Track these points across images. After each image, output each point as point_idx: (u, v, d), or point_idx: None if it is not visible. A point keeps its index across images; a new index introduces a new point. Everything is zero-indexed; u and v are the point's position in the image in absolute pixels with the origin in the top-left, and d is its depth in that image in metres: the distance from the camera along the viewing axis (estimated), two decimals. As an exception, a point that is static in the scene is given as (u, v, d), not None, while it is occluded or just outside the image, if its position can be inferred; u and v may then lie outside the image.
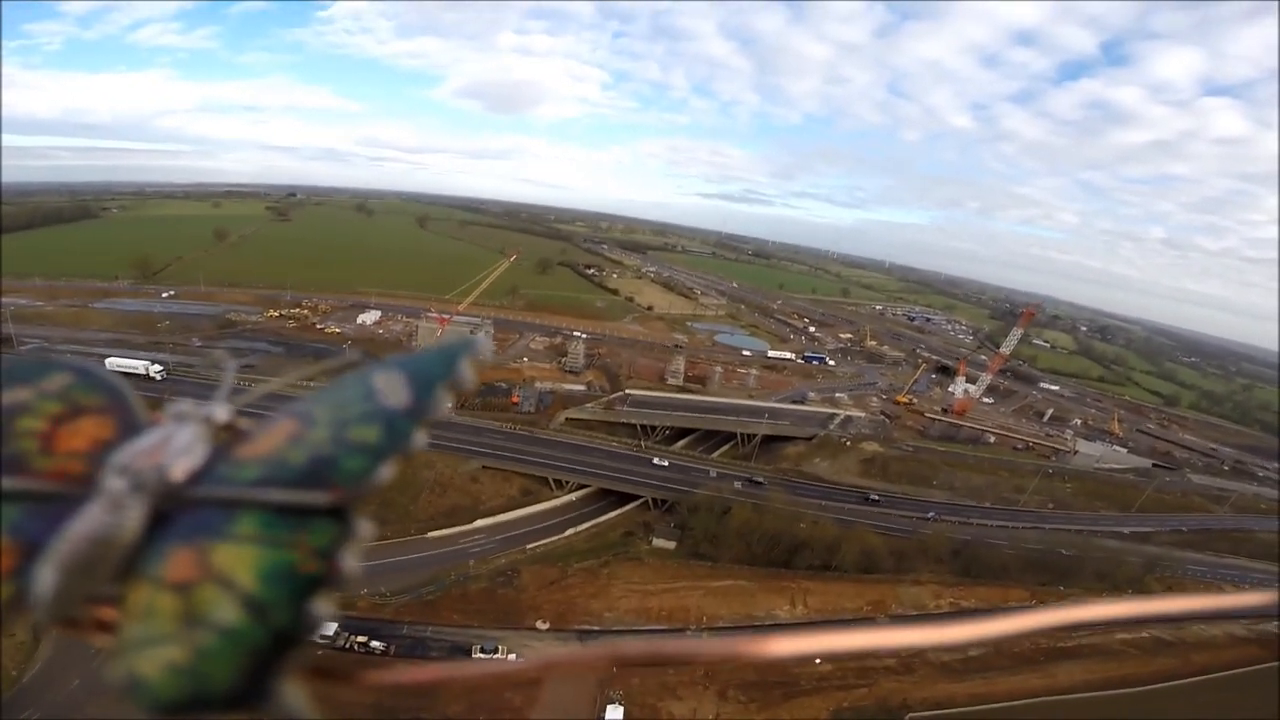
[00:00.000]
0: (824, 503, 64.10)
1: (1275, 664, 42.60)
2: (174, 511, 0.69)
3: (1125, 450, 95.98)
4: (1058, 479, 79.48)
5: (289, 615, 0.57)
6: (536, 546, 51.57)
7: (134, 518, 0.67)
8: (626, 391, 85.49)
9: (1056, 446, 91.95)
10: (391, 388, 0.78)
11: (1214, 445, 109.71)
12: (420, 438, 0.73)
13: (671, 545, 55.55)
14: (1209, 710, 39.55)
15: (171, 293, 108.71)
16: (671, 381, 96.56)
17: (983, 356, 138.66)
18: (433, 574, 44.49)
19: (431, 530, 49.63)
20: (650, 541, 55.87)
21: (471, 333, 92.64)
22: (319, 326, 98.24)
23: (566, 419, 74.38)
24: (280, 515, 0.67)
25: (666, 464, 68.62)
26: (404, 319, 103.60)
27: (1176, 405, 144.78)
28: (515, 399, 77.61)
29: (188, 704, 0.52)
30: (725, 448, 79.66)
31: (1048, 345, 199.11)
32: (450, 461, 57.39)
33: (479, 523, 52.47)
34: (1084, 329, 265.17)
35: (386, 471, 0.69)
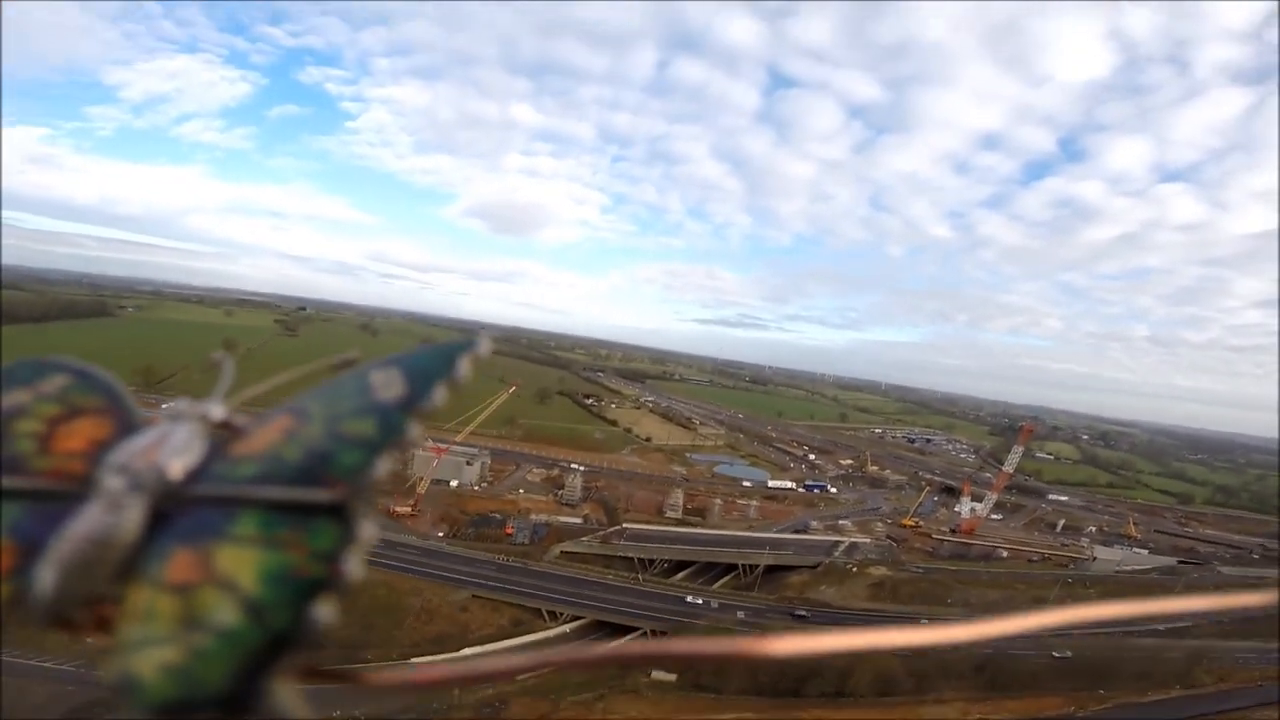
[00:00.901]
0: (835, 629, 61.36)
1: None
2: (173, 511, 0.70)
3: (1146, 552, 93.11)
4: (1079, 586, 76.63)
5: (288, 618, 0.56)
6: (527, 678, 48.41)
7: (133, 517, 0.68)
8: (624, 525, 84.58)
9: (1073, 555, 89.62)
10: (387, 383, 0.79)
11: (1238, 537, 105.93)
12: (415, 429, 0.74)
13: (672, 678, 52.21)
14: None
15: (172, 404, 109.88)
16: (670, 514, 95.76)
17: (987, 474, 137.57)
18: (413, 702, 41.51)
19: (415, 658, 46.87)
20: (649, 674, 52.60)
21: (468, 464, 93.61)
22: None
23: (561, 552, 73.08)
24: (280, 514, 0.67)
25: (702, 601, 66.28)
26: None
27: (1191, 502, 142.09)
28: (509, 530, 76.66)
29: (181, 705, 0.52)
30: (727, 578, 77.59)
31: (1052, 457, 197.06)
32: (439, 590, 55.73)
33: (466, 651, 49.57)
34: (1085, 437, 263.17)
35: (384, 465, 0.69)
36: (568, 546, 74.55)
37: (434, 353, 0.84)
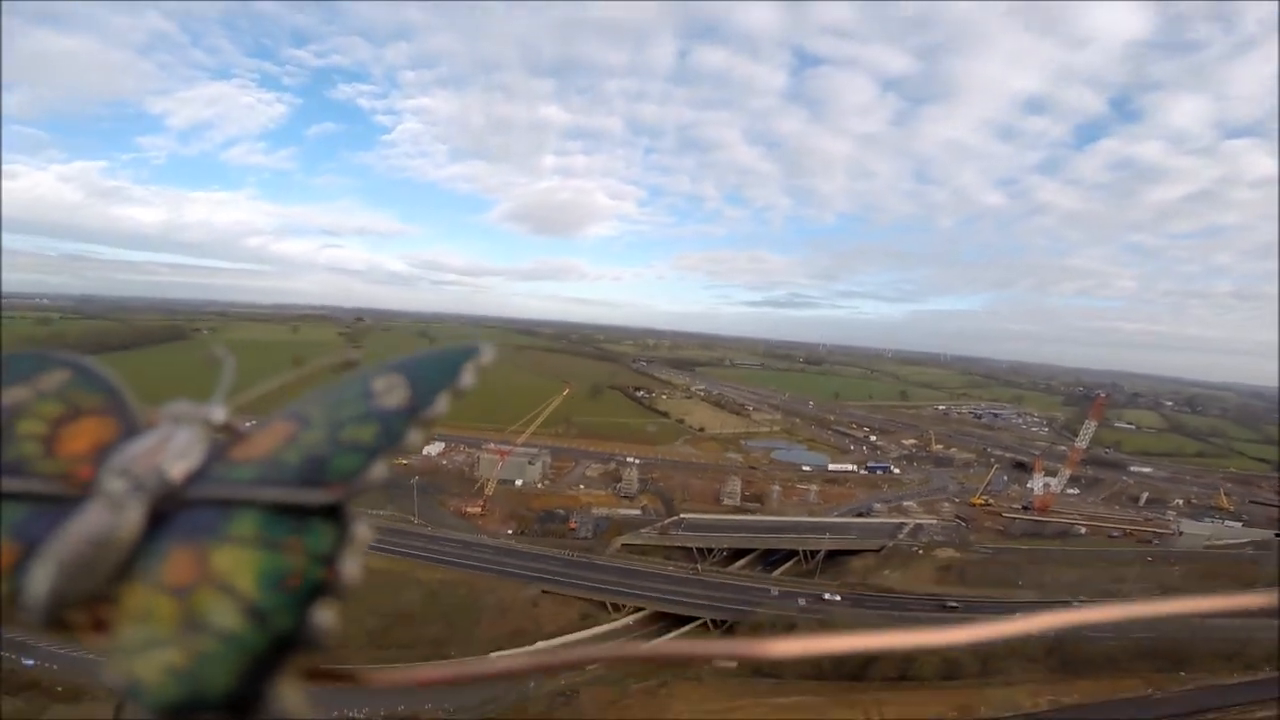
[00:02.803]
0: (896, 614, 61.01)
1: None
2: (172, 512, 0.70)
3: (1240, 525, 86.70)
4: (1163, 564, 72.89)
5: (290, 621, 0.57)
6: (596, 668, 51.12)
7: (132, 518, 0.68)
8: (681, 515, 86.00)
9: (1157, 530, 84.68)
10: (390, 389, 0.79)
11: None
12: (416, 437, 0.74)
13: (733, 664, 53.73)
14: None
15: (254, 422, 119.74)
16: (728, 502, 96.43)
17: (1062, 448, 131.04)
18: (494, 694, 44.92)
19: (493, 651, 50.39)
20: (711, 661, 54.39)
21: (530, 463, 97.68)
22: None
23: (622, 545, 75.29)
24: (277, 516, 0.67)
25: (838, 598, 65.59)
26: (466, 449, 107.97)
27: None
28: (572, 525, 79.85)
29: (185, 706, 0.53)
30: (787, 565, 77.39)
31: (1133, 427, 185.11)
32: (511, 587, 59.26)
33: (539, 645, 52.70)
34: (1169, 404, 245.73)
35: (380, 469, 0.70)
36: (628, 539, 76.61)
37: (438, 359, 0.85)
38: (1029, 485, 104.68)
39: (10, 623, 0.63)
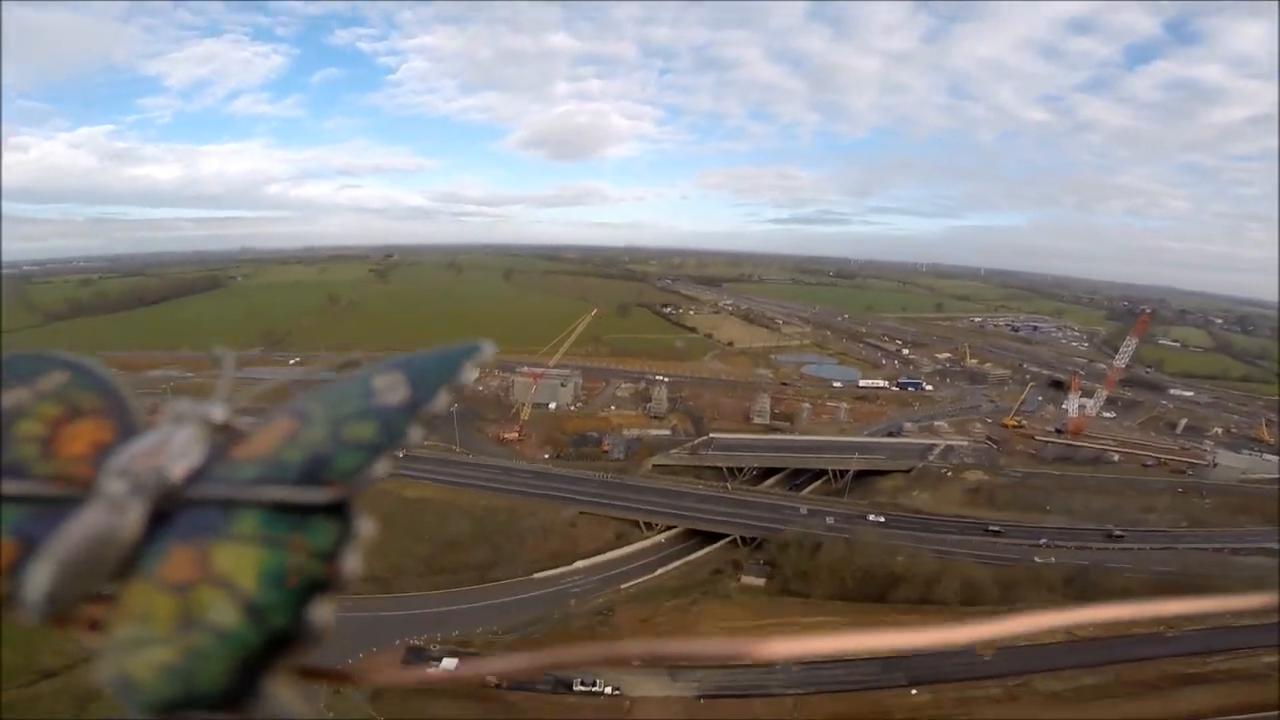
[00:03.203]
0: (927, 535, 62.60)
1: None
2: (172, 511, 0.71)
3: (1278, 459, 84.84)
4: (1194, 495, 72.39)
5: (287, 618, 0.58)
6: (630, 586, 54.77)
7: (133, 518, 0.69)
8: (711, 435, 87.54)
9: (1192, 460, 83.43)
10: (390, 386, 0.81)
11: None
12: (416, 433, 0.76)
13: (760, 582, 56.55)
14: None
15: (299, 359, 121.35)
16: (757, 421, 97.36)
17: (1101, 366, 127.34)
18: (538, 613, 49.00)
19: (536, 572, 54.48)
20: (739, 579, 57.23)
21: (562, 385, 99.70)
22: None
23: (654, 466, 77.69)
24: (279, 514, 0.68)
25: (882, 519, 66.82)
26: (500, 374, 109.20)
27: None
28: (605, 447, 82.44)
29: (176, 704, 0.53)
30: (816, 484, 79.17)
31: (1178, 345, 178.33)
32: (550, 509, 62.58)
33: (578, 564, 56.70)
34: (1219, 321, 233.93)
35: (382, 467, 0.72)
36: (659, 460, 78.94)
37: (437, 358, 0.87)
38: (1064, 406, 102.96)
39: (11, 620, 0.64)
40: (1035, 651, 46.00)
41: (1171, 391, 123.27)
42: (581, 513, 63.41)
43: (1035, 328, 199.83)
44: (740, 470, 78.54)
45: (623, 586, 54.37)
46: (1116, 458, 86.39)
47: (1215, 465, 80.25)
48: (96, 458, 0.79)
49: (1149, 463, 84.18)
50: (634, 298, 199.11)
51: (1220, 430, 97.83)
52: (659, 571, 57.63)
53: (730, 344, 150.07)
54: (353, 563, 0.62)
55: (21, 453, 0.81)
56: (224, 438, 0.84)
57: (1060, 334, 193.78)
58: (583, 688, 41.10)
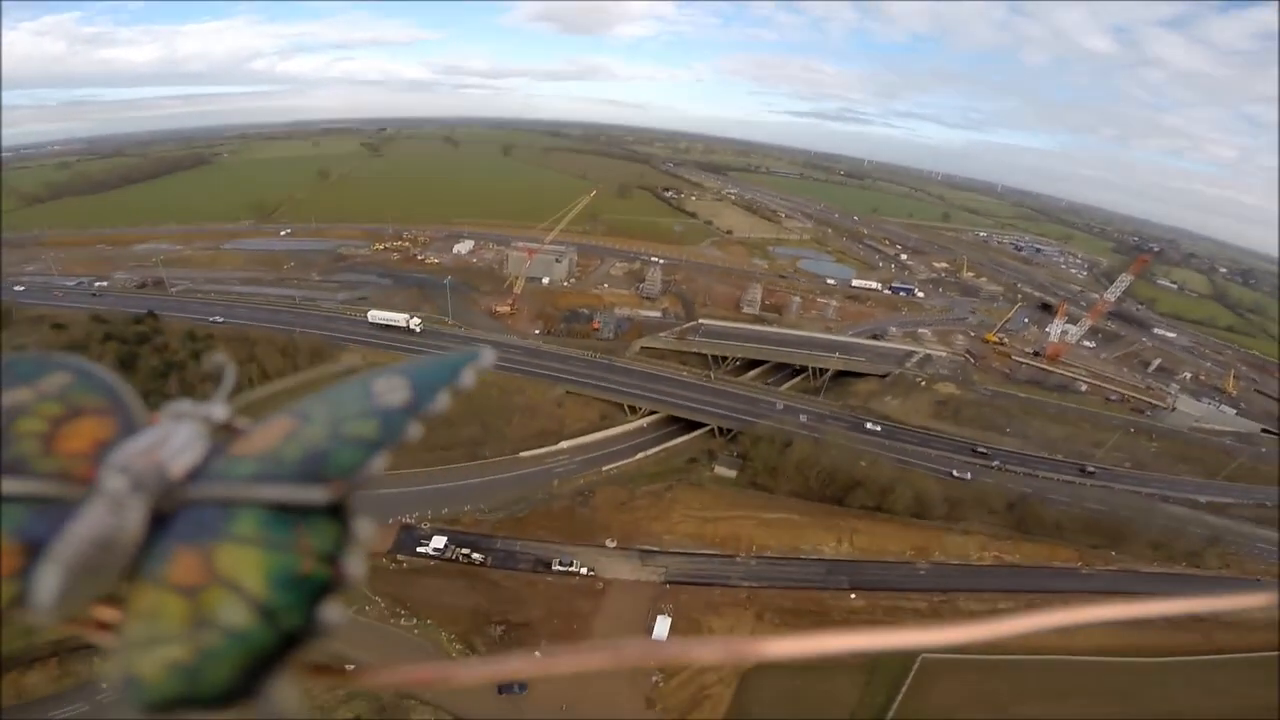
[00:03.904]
0: (889, 443, 65.21)
1: None
2: (173, 511, 0.73)
3: (1234, 412, 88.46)
4: (1144, 437, 76.08)
5: (299, 619, 0.59)
6: (611, 468, 58.02)
7: (135, 518, 0.70)
8: (700, 321, 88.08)
9: (1153, 401, 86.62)
10: (391, 389, 0.83)
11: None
12: (416, 430, 0.78)
13: (732, 474, 59.76)
14: (1218, 687, 41.05)
15: (289, 231, 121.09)
16: (747, 310, 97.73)
17: (1094, 295, 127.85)
18: (523, 492, 52.14)
19: (523, 451, 57.11)
20: (713, 469, 60.45)
21: (557, 261, 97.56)
22: (419, 257, 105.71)
23: (641, 348, 78.54)
24: (278, 513, 0.69)
25: (879, 428, 68.18)
26: (495, 247, 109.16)
27: None
28: (596, 325, 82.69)
29: (180, 703, 0.54)
30: (796, 380, 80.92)
31: (1175, 286, 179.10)
32: (539, 387, 64.06)
33: (563, 444, 59.45)
34: (1223, 270, 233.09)
35: (379, 463, 0.73)
36: (646, 342, 79.82)
37: (439, 363, 0.89)
38: (1047, 330, 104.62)
39: (15, 622, 0.64)
40: (962, 572, 51.28)
41: (1155, 330, 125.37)
42: (568, 392, 65.14)
43: (1038, 249, 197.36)
44: (724, 360, 79.69)
45: (604, 469, 57.54)
46: (1084, 388, 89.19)
47: (1173, 409, 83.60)
48: (97, 455, 0.81)
49: (1113, 397, 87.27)
50: (636, 179, 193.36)
51: (1189, 375, 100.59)
52: (639, 456, 60.66)
53: (729, 232, 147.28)
54: (356, 565, 0.63)
55: (22, 449, 0.82)
56: (224, 436, 0.86)
57: (1062, 259, 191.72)
58: (560, 568, 45.13)
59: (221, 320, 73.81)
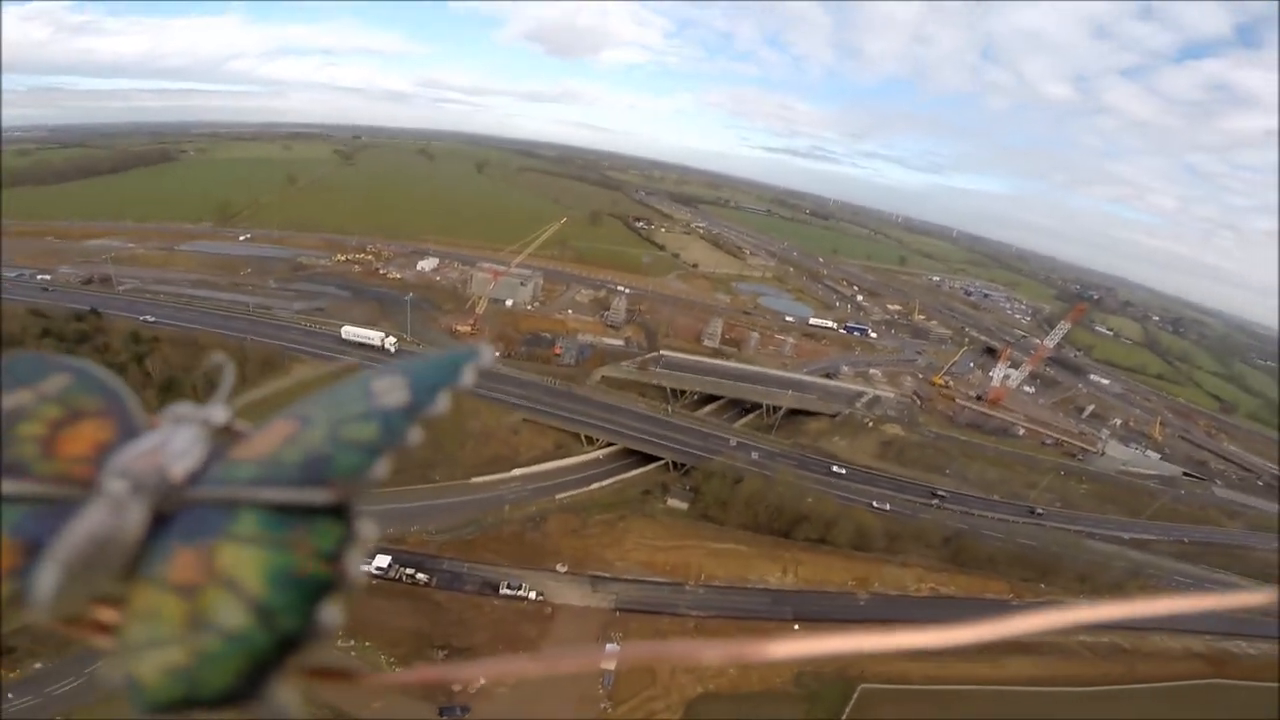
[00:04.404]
0: (834, 481, 67.44)
1: (1214, 680, 45.69)
2: (173, 513, 0.73)
3: (1158, 456, 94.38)
4: (1074, 479, 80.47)
5: (297, 620, 0.59)
6: (564, 497, 58.25)
7: (134, 519, 0.71)
8: (661, 352, 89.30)
9: (1085, 446, 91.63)
10: (390, 389, 0.82)
11: (1257, 459, 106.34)
12: (416, 434, 0.76)
13: (684, 506, 60.78)
14: (1141, 715, 43.49)
15: (248, 236, 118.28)
16: (708, 343, 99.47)
17: (1036, 340, 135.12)
18: (472, 516, 51.88)
19: (475, 476, 56.85)
20: (665, 501, 61.32)
21: (521, 284, 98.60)
22: (382, 272, 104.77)
23: (602, 377, 79.33)
24: (279, 515, 0.69)
25: (843, 470, 70.55)
26: (460, 267, 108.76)
27: (1233, 412, 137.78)
28: (557, 350, 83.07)
29: (181, 704, 0.55)
30: (750, 416, 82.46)
31: (1111, 333, 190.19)
32: (495, 412, 63.99)
33: (516, 471, 59.36)
34: (1156, 319, 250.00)
35: (382, 467, 0.72)
36: (608, 371, 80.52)
37: (438, 362, 0.88)
38: (990, 374, 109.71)
39: (12, 622, 0.66)
40: (903, 602, 53.08)
41: (1090, 377, 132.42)
42: (525, 420, 65.37)
43: (986, 294, 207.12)
44: (682, 393, 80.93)
45: (557, 497, 57.72)
46: (1022, 432, 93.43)
47: (1103, 454, 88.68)
48: (97, 458, 0.81)
49: (1048, 441, 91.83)
50: (608, 206, 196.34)
51: (1119, 421, 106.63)
52: (593, 486, 60.99)
53: (695, 266, 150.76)
54: (357, 565, 0.63)
55: (22, 452, 0.82)
56: (224, 439, 0.86)
57: (1008, 305, 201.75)
58: (509, 591, 44.89)
59: (153, 320, 71.27)
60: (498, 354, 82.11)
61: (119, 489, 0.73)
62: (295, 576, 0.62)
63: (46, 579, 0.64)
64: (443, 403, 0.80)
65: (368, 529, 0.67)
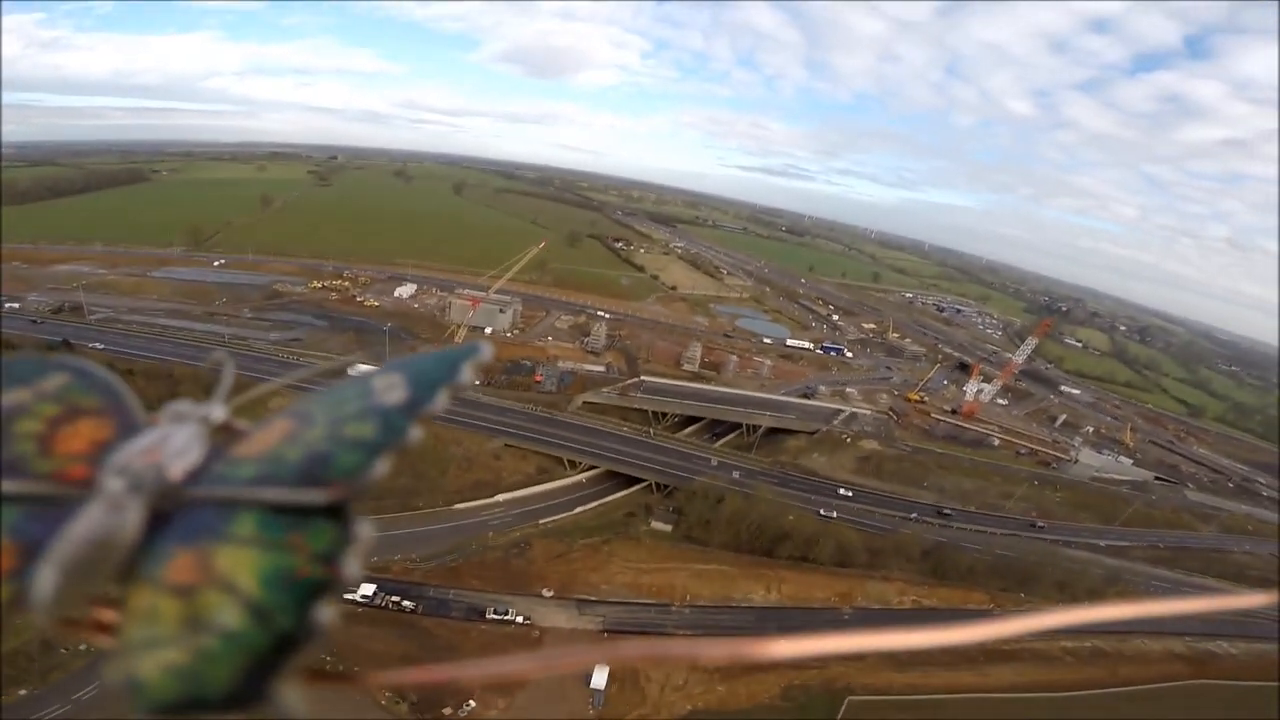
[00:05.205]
0: (813, 496, 68.17)
1: (1194, 681, 46.77)
2: (172, 512, 0.72)
3: (1130, 462, 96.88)
4: (1049, 488, 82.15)
5: (292, 620, 0.59)
6: (548, 522, 58.19)
7: (133, 518, 0.70)
8: (642, 378, 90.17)
9: (1058, 455, 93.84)
10: (389, 387, 0.82)
11: (1227, 461, 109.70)
12: (416, 433, 0.76)
13: (668, 528, 61.00)
14: (1123, 717, 44.31)
15: (222, 261, 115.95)
16: (687, 368, 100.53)
17: (1008, 355, 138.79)
18: (456, 543, 51.63)
19: (458, 502, 56.68)
20: (649, 523, 61.48)
21: (501, 311, 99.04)
22: (359, 299, 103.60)
23: (584, 403, 79.85)
24: (278, 515, 0.69)
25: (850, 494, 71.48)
26: (439, 293, 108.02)
27: (1201, 416, 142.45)
28: (539, 377, 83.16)
29: (184, 705, 0.54)
30: (730, 436, 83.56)
31: (1080, 345, 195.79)
32: (477, 439, 63.99)
33: (499, 497, 59.28)
34: (1123, 328, 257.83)
35: (382, 466, 0.71)
36: (589, 397, 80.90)
37: (437, 359, 0.88)
38: (964, 389, 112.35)
39: (12, 623, 0.66)
40: (884, 616, 53.62)
41: (1062, 388, 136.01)
42: (507, 445, 65.43)
43: (959, 310, 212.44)
44: (664, 416, 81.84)
45: (541, 522, 57.73)
46: (996, 443, 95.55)
47: (1076, 461, 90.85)
48: (95, 456, 0.81)
49: (1022, 451, 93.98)
50: (587, 227, 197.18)
51: (1091, 430, 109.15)
52: (577, 510, 61.07)
53: (674, 288, 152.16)
54: (354, 565, 0.64)
55: (20, 449, 0.82)
56: (224, 437, 0.86)
57: (980, 320, 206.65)
58: (495, 616, 44.73)
59: (102, 347, 69.72)
60: (477, 382, 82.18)
61: (116, 487, 0.73)
62: (292, 579, 0.62)
63: (45, 581, 0.64)
64: (442, 401, 0.80)
65: (364, 530, 0.67)
